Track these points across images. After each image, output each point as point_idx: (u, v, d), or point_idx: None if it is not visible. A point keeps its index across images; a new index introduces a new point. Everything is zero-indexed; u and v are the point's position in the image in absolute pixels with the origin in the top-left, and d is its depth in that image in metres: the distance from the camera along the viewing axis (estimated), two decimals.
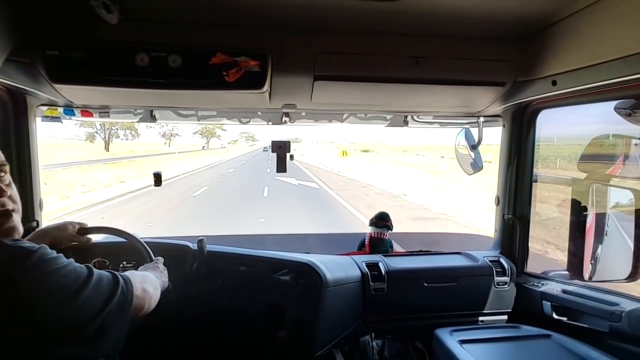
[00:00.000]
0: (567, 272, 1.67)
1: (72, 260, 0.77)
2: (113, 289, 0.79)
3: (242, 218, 9.66)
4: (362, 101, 1.66)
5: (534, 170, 1.77)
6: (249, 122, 1.90)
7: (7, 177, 0.81)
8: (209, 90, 1.27)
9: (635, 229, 1.34)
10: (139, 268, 1.18)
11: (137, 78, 1.21)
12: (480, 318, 1.78)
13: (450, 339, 1.47)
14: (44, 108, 1.62)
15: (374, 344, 1.81)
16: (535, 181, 1.78)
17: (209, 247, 1.62)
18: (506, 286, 1.77)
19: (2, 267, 0.68)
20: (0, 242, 0.71)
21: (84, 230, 1.33)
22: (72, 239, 1.32)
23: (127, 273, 0.90)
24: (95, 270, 0.78)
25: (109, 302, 0.77)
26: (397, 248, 2.31)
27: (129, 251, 1.40)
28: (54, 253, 0.75)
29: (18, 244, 0.73)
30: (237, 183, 18.27)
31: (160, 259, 1.27)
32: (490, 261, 1.80)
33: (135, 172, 19.72)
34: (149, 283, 0.96)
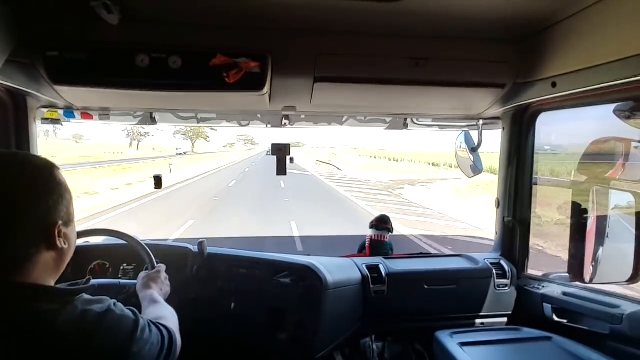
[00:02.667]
0: (567, 275, 1.67)
1: (145, 319, 0.76)
2: (169, 348, 0.79)
3: None
4: (362, 103, 1.66)
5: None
6: (248, 124, 1.90)
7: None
8: (209, 92, 1.27)
9: (636, 231, 1.34)
10: (140, 274, 1.15)
11: (137, 79, 1.20)
12: (481, 320, 1.78)
13: (450, 341, 1.47)
14: (45, 110, 1.62)
15: (375, 346, 1.80)
16: (536, 184, 1.78)
17: (210, 249, 1.62)
18: (506, 288, 1.76)
19: (118, 340, 0.68)
20: (109, 309, 0.70)
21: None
22: None
23: (164, 321, 0.85)
24: (163, 329, 0.79)
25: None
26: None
27: (130, 254, 1.40)
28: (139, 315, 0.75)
29: (125, 312, 0.72)
30: None
31: (163, 267, 1.21)
32: (491, 263, 1.79)
33: None
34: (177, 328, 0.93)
